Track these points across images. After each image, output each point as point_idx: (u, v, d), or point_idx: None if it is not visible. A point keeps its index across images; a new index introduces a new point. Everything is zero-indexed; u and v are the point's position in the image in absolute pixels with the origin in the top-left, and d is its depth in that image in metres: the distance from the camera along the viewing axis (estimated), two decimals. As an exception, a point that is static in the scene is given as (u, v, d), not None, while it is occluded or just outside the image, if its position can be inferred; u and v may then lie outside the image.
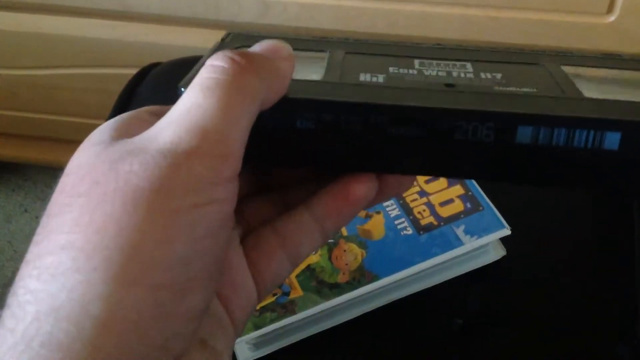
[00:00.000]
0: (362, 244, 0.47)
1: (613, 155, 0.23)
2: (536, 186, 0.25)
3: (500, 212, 0.48)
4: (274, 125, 0.24)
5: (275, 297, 0.44)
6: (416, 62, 0.28)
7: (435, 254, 0.45)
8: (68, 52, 0.92)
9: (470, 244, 0.46)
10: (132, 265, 0.19)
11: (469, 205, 0.48)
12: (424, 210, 0.48)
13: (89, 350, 0.18)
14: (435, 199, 0.49)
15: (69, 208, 0.20)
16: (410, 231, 0.47)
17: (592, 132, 0.23)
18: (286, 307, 0.43)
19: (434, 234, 0.47)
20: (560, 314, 0.46)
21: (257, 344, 0.44)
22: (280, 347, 0.44)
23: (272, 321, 0.43)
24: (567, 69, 0.28)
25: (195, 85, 0.21)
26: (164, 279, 0.19)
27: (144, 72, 0.68)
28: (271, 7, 0.79)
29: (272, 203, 0.28)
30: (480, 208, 0.48)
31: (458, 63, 0.28)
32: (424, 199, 0.49)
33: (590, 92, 0.25)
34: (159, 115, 0.23)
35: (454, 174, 0.26)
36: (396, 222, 0.48)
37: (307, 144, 0.24)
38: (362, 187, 0.26)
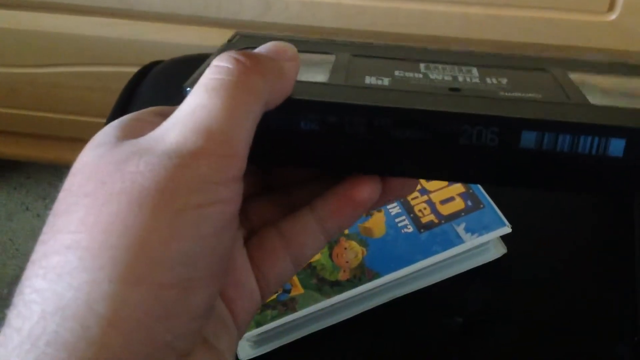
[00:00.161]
0: (362, 242, 0.47)
1: (617, 161, 0.23)
2: (540, 191, 0.25)
3: (501, 210, 0.48)
4: (278, 126, 0.24)
5: (276, 294, 0.44)
6: (422, 65, 0.28)
7: (436, 252, 0.46)
8: (69, 50, 0.92)
9: (471, 241, 0.46)
10: (138, 264, 0.19)
11: (469, 203, 0.48)
12: (425, 208, 0.48)
13: (94, 349, 0.18)
14: (436, 197, 0.49)
15: (75, 207, 0.20)
16: (410, 229, 0.47)
17: (596, 139, 0.23)
18: (287, 305, 0.43)
19: (434, 232, 0.47)
20: (560, 313, 0.46)
21: (258, 342, 0.44)
22: (281, 344, 0.44)
23: (273, 319, 0.43)
24: (573, 75, 0.28)
25: (200, 85, 0.21)
26: (170, 278, 0.19)
27: (145, 71, 0.68)
28: (272, 5, 0.79)
29: (276, 204, 0.28)
30: (481, 206, 0.48)
31: (464, 67, 0.28)
32: (425, 197, 0.49)
33: (595, 98, 0.25)
34: (163, 116, 0.23)
35: (458, 178, 0.26)
36: (397, 220, 0.48)
37: (311, 146, 0.25)
38: (366, 189, 0.26)
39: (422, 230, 0.47)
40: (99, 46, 0.90)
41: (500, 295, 0.48)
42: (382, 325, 0.45)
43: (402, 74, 0.27)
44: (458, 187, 0.49)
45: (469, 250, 0.46)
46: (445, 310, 0.46)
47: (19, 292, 0.20)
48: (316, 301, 0.44)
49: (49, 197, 1.17)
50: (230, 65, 0.22)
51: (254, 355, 0.44)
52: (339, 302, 0.44)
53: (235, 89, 0.21)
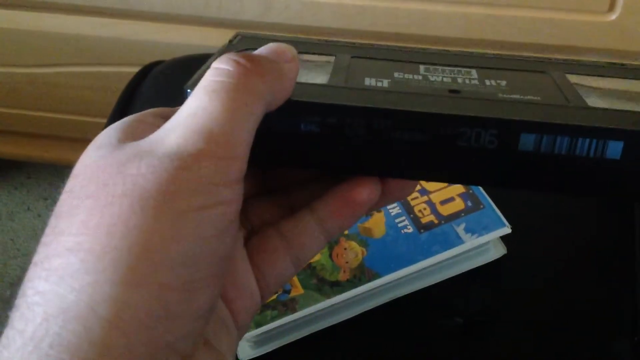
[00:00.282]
0: (362, 242, 0.47)
1: (615, 164, 0.23)
2: (538, 193, 0.25)
3: (501, 210, 0.48)
4: (279, 128, 0.24)
5: (276, 294, 0.44)
6: (421, 67, 0.28)
7: (436, 252, 0.46)
8: (69, 50, 0.92)
9: (471, 242, 0.46)
10: (140, 265, 0.19)
11: (469, 203, 0.48)
12: (425, 209, 0.48)
13: (97, 350, 0.18)
14: (435, 197, 0.49)
15: (77, 210, 0.20)
16: (410, 229, 0.47)
17: (594, 141, 0.23)
18: (287, 305, 0.44)
19: (434, 232, 0.47)
20: (560, 313, 0.46)
21: (258, 342, 0.44)
22: (281, 344, 0.44)
23: (273, 319, 0.43)
24: (572, 78, 0.28)
25: (200, 88, 0.21)
26: (172, 279, 0.19)
27: (146, 71, 0.68)
28: (273, 5, 0.79)
29: (276, 205, 0.28)
30: (481, 206, 0.48)
31: (463, 69, 0.28)
32: (425, 197, 0.49)
33: (594, 101, 0.25)
34: (164, 117, 0.23)
35: (457, 180, 0.26)
36: (397, 220, 0.48)
37: (312, 147, 0.25)
38: (366, 191, 0.26)
39: (422, 230, 0.47)
40: (99, 46, 0.90)
41: (500, 295, 0.48)
42: (382, 326, 0.45)
43: (401, 76, 0.27)
44: (458, 188, 0.49)
45: (469, 250, 0.46)
46: (445, 310, 0.46)
47: (21, 294, 0.20)
48: (316, 301, 0.44)
49: (50, 197, 1.17)
50: (230, 68, 0.22)
51: (254, 356, 0.44)
52: (339, 303, 0.44)
53: (236, 92, 0.21)
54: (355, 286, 0.44)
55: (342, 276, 0.45)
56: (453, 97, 0.25)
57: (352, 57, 0.29)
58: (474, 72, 0.28)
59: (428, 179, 0.26)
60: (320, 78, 0.26)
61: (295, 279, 0.45)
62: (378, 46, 0.31)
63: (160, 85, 0.66)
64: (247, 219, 0.27)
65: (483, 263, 0.47)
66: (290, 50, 0.24)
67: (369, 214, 0.48)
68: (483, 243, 0.46)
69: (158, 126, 0.22)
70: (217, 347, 0.23)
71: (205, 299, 0.21)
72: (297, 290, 0.44)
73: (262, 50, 0.24)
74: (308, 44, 0.30)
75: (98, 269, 0.19)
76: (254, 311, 0.26)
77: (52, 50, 0.93)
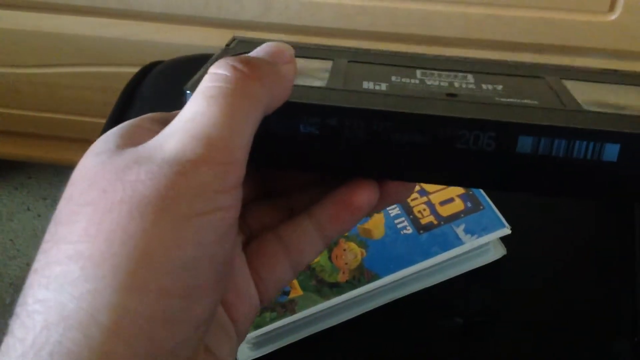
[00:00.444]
0: (362, 243, 0.47)
1: (612, 166, 0.24)
2: (536, 195, 0.25)
3: (500, 211, 0.48)
4: (278, 130, 0.24)
5: (275, 296, 0.44)
6: (418, 72, 0.28)
7: (436, 253, 0.46)
8: (69, 51, 0.92)
9: (471, 243, 0.46)
10: (140, 272, 0.19)
11: (469, 204, 0.48)
12: (424, 210, 0.48)
13: (97, 358, 0.18)
14: (435, 198, 0.49)
15: (77, 217, 0.20)
16: (410, 230, 0.47)
17: (591, 144, 0.23)
18: (286, 307, 0.43)
19: (434, 233, 0.47)
20: (560, 314, 0.46)
21: (257, 344, 0.44)
22: (280, 346, 0.44)
23: (272, 320, 0.43)
24: (567, 83, 0.28)
25: (198, 93, 0.21)
26: (172, 285, 0.19)
27: (146, 71, 0.68)
28: (273, 6, 0.79)
29: (275, 209, 0.28)
30: (481, 207, 0.48)
31: (459, 74, 0.28)
32: (424, 198, 0.49)
33: (589, 105, 0.26)
34: (162, 122, 0.23)
35: (454, 182, 0.26)
36: (396, 221, 0.48)
37: (311, 149, 0.25)
38: (364, 195, 0.26)
39: (421, 231, 0.47)
40: (99, 46, 0.90)
41: (500, 296, 0.48)
42: (382, 327, 0.45)
43: (399, 80, 0.27)
44: (458, 189, 0.49)
45: (469, 251, 0.46)
46: (445, 311, 0.46)
47: (21, 301, 0.20)
48: (315, 303, 0.44)
49: (49, 197, 1.17)
50: (227, 73, 0.22)
51: (253, 357, 0.44)
52: (338, 304, 0.44)
53: (234, 97, 0.21)
54: (355, 287, 0.44)
55: (342, 277, 0.45)
56: (451, 101, 0.25)
57: (349, 61, 0.29)
58: (470, 76, 0.28)
59: (426, 181, 0.26)
60: (318, 81, 0.26)
61: (294, 280, 0.45)
62: (374, 51, 0.31)
63: (159, 85, 0.66)
64: (246, 223, 0.27)
65: (483, 264, 0.47)
66: (287, 50, 0.24)
67: (367, 215, 0.48)
68: (483, 244, 0.46)
69: (156, 131, 0.22)
70: (216, 352, 0.23)
71: (205, 304, 0.21)
72: (296, 291, 0.44)
73: (259, 52, 0.24)
74: (305, 48, 0.30)
75: (98, 276, 0.19)
76: (253, 316, 0.26)
77: (52, 50, 0.93)
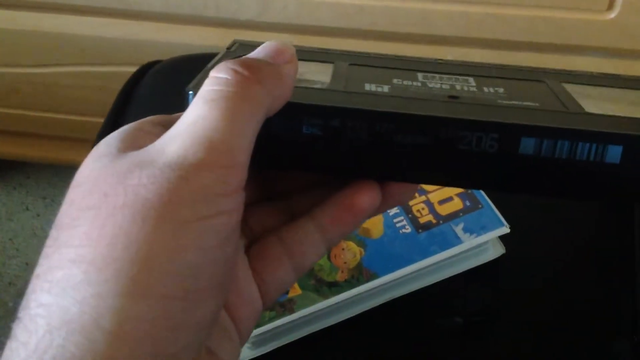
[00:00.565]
0: (360, 242, 0.47)
1: (614, 168, 0.24)
2: (539, 197, 0.25)
3: (499, 210, 0.48)
4: (280, 131, 0.24)
5: (273, 295, 0.44)
6: (419, 75, 0.28)
7: (434, 252, 0.45)
8: (68, 50, 0.92)
9: (469, 242, 0.46)
10: (143, 276, 0.19)
11: (468, 203, 0.48)
12: (423, 209, 0.48)
13: None
14: (434, 197, 0.49)
15: (79, 221, 0.20)
16: (409, 229, 0.47)
17: (594, 145, 0.23)
18: (285, 306, 0.43)
19: (432, 232, 0.47)
20: (559, 313, 0.46)
21: (256, 343, 0.44)
22: (279, 345, 0.44)
23: (271, 320, 0.43)
24: (568, 87, 0.28)
25: (199, 97, 0.21)
26: (174, 289, 0.19)
27: (144, 70, 0.68)
28: (271, 5, 0.79)
29: (277, 211, 0.28)
30: (480, 206, 0.48)
31: (460, 77, 0.29)
32: (423, 197, 0.49)
33: (591, 108, 0.26)
34: (163, 125, 0.23)
35: (457, 183, 0.26)
36: (395, 220, 0.48)
37: (313, 150, 0.25)
38: (366, 197, 0.26)
39: (420, 230, 0.47)
40: (99, 46, 0.90)
41: (499, 295, 0.48)
42: (381, 326, 0.45)
43: (400, 82, 0.27)
44: (456, 188, 0.49)
45: (468, 250, 0.46)
46: (444, 310, 0.46)
47: (24, 306, 0.20)
48: (314, 302, 0.44)
49: (49, 197, 1.17)
50: (228, 77, 0.22)
51: (253, 357, 0.44)
52: (337, 303, 0.44)
53: (235, 100, 0.21)
54: (354, 286, 0.44)
55: (340, 276, 0.45)
56: (453, 102, 0.25)
57: (350, 64, 0.29)
58: (471, 79, 0.28)
59: (429, 182, 0.26)
60: (320, 83, 0.27)
61: (293, 279, 0.45)
62: (376, 54, 0.31)
63: (157, 84, 0.66)
64: (248, 226, 0.27)
65: (482, 263, 0.47)
66: (288, 49, 0.24)
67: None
68: (481, 243, 0.46)
69: (157, 134, 0.22)
70: (219, 354, 0.23)
71: (208, 308, 0.21)
72: (295, 290, 0.44)
73: (260, 52, 0.24)
74: (306, 51, 0.30)
75: (100, 281, 0.19)
76: (256, 318, 0.26)
77: (52, 50, 0.93)
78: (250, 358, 0.44)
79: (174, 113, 0.25)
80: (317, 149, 0.25)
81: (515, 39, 0.76)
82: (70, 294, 0.19)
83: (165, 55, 0.71)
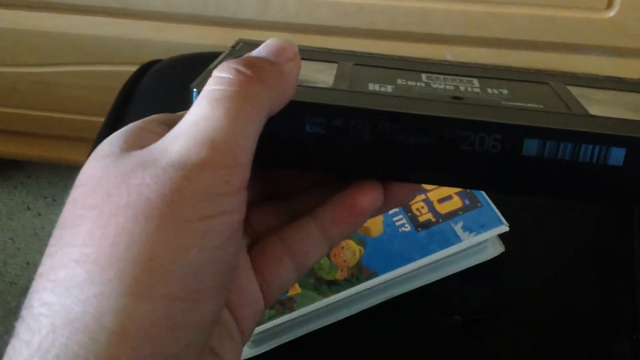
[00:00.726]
0: (360, 241, 0.47)
1: (617, 170, 0.24)
2: (541, 198, 0.25)
3: (498, 208, 0.48)
4: (283, 130, 0.24)
5: (273, 294, 0.44)
6: (423, 75, 0.29)
7: (434, 251, 0.46)
8: (68, 50, 0.92)
9: (469, 240, 0.46)
10: (146, 276, 0.19)
11: (467, 201, 0.48)
12: (422, 207, 0.48)
13: None
14: (433, 196, 0.49)
15: (82, 220, 0.20)
16: (408, 228, 0.47)
17: (597, 147, 0.23)
18: (284, 304, 0.44)
19: (432, 231, 0.47)
20: (558, 312, 0.46)
21: (256, 341, 0.44)
22: (279, 344, 0.44)
23: (271, 318, 0.43)
24: (572, 89, 0.28)
25: (202, 97, 0.21)
26: (177, 289, 0.19)
27: (144, 69, 0.68)
28: (271, 4, 0.79)
29: (279, 211, 0.28)
30: (479, 205, 0.48)
31: (464, 78, 0.28)
32: (422, 196, 0.49)
33: (595, 110, 0.26)
34: (167, 124, 0.23)
35: (460, 183, 0.26)
36: (394, 219, 0.48)
37: (316, 149, 0.25)
38: (368, 198, 0.26)
39: (419, 229, 0.47)
40: (99, 45, 0.90)
41: (498, 293, 0.48)
42: (380, 324, 0.45)
43: (404, 82, 0.27)
44: (456, 186, 0.49)
45: (467, 249, 0.46)
46: (443, 309, 0.46)
47: (27, 305, 0.20)
48: (314, 301, 0.44)
49: (49, 196, 1.17)
50: (231, 76, 0.22)
51: (252, 355, 0.44)
52: (336, 302, 0.44)
53: (238, 100, 0.21)
54: (353, 285, 0.44)
55: (340, 275, 0.45)
56: (457, 103, 0.25)
57: (354, 64, 0.29)
58: (475, 81, 0.28)
59: (431, 182, 0.26)
60: (323, 82, 0.27)
61: (292, 278, 0.45)
62: (380, 55, 0.31)
63: (158, 84, 0.66)
64: (250, 225, 0.27)
65: (481, 261, 0.47)
66: (290, 46, 0.24)
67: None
68: (481, 241, 0.46)
69: (161, 134, 0.22)
70: (221, 354, 0.23)
71: (210, 308, 0.21)
72: (295, 289, 0.44)
73: (262, 50, 0.24)
74: (309, 51, 0.30)
75: (104, 280, 0.19)
76: (258, 317, 0.26)
77: (52, 49, 0.93)
78: (250, 356, 0.44)
79: (174, 112, 0.25)
80: (320, 148, 0.25)
81: (514, 38, 0.76)
82: (74, 294, 0.19)
83: (165, 55, 0.71)
